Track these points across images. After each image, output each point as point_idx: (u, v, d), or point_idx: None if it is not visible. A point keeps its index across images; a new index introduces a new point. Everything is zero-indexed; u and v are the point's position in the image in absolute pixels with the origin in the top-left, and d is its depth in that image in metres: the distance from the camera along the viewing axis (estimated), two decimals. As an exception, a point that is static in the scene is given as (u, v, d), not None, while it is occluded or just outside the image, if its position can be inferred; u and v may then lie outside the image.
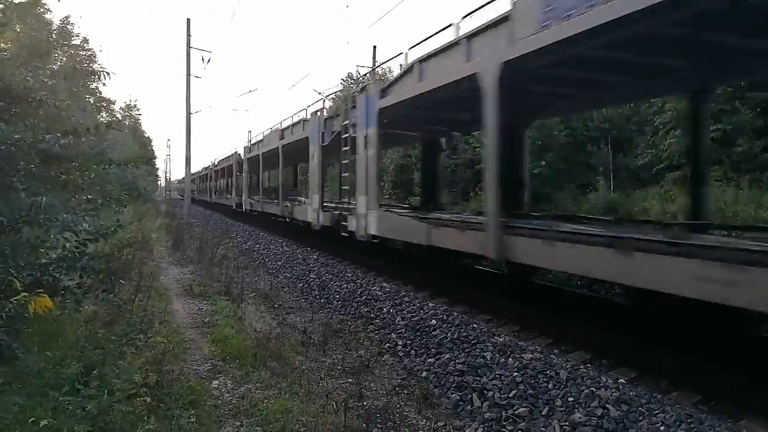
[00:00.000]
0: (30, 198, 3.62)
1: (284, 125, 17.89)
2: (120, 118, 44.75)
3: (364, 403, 4.75)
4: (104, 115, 32.07)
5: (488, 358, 5.58)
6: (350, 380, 5.28)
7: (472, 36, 7.22)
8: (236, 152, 28.23)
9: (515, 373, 5.12)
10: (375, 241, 10.10)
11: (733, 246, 4.54)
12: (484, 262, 9.48)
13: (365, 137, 10.18)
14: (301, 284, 10.57)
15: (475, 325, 6.62)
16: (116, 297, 4.63)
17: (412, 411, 4.72)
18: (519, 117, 10.18)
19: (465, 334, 6.34)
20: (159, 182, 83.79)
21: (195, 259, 12.47)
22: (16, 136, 4.17)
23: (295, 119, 16.72)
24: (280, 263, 13.26)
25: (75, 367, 3.82)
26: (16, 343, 3.56)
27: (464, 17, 7.63)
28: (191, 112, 26.71)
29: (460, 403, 4.90)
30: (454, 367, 5.55)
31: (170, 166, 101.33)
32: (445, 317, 7.04)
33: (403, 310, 7.71)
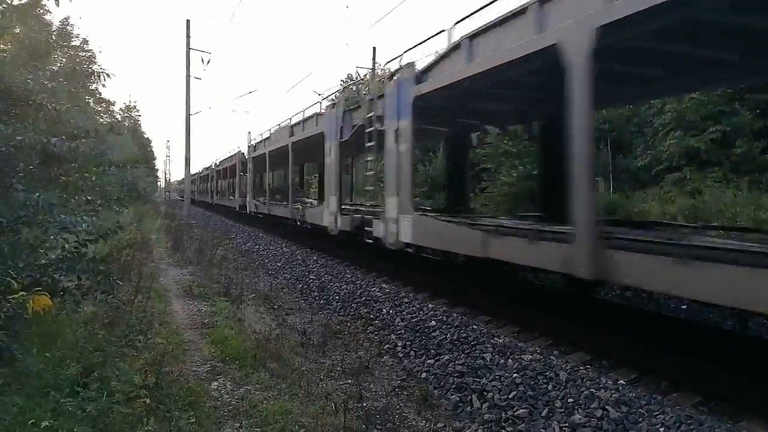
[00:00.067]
0: (26, 195, 3.61)
1: (294, 121, 16.60)
2: (120, 119, 44.77)
3: (364, 404, 4.75)
4: (104, 116, 32.05)
5: (488, 359, 5.58)
6: (350, 381, 5.28)
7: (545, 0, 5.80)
8: (239, 151, 27.03)
9: (515, 374, 5.12)
10: (408, 250, 8.89)
11: None
12: (550, 276, 8.31)
13: (396, 130, 8.79)
14: (300, 285, 10.57)
15: (474, 326, 6.61)
16: (115, 298, 4.63)
17: (411, 412, 4.72)
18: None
19: (465, 335, 6.34)
20: (158, 183, 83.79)
21: (194, 260, 12.47)
22: (19, 138, 4.17)
23: (308, 114, 15.51)
24: (279, 264, 13.26)
25: (74, 368, 3.81)
26: (15, 344, 3.56)
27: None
28: (191, 113, 26.69)
29: (460, 404, 4.90)
30: (454, 368, 5.55)
31: (170, 167, 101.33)
32: (444, 318, 7.04)
33: (403, 311, 7.71)
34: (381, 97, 9.73)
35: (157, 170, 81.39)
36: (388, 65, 10.19)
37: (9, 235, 3.66)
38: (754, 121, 16.93)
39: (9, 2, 4.93)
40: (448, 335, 6.43)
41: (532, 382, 4.93)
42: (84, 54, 24.39)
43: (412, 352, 6.30)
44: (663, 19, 4.87)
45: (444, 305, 7.95)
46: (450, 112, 10.46)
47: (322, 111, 13.78)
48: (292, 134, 16.34)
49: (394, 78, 9.19)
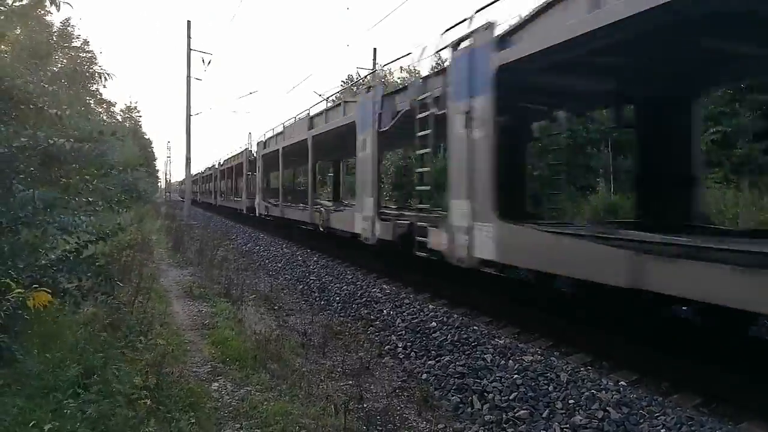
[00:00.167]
0: (24, 195, 3.61)
1: (315, 111, 14.66)
2: (120, 119, 44.78)
3: (365, 405, 4.74)
4: (105, 117, 32.11)
5: (488, 361, 5.57)
6: (350, 382, 5.28)
7: None
8: (247, 149, 25.16)
9: (515, 376, 5.11)
10: (488, 270, 6.84)
11: None
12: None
13: (467, 113, 6.80)
14: (301, 286, 10.57)
15: (475, 327, 6.61)
16: (116, 299, 4.63)
17: (412, 413, 4.71)
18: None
19: (465, 336, 6.34)
20: (159, 184, 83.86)
21: (195, 261, 12.47)
22: (23, 140, 4.18)
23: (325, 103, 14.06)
24: (280, 265, 13.26)
25: (75, 369, 3.81)
26: (16, 344, 3.56)
27: None
28: (191, 113, 26.74)
29: (461, 405, 4.89)
30: (455, 369, 5.54)
31: (170, 168, 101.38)
32: (445, 319, 7.03)
33: (403, 312, 7.71)
34: (440, 73, 7.87)
35: (157, 171, 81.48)
36: (447, 34, 7.66)
37: (9, 236, 3.66)
38: (754, 122, 16.93)
39: (9, 4, 4.93)
40: (449, 336, 6.43)
41: (533, 383, 4.93)
42: (85, 55, 24.44)
43: (412, 353, 6.30)
44: None
45: (444, 306, 7.95)
46: (534, 90, 7.99)
47: (355, 97, 11.69)
48: (311, 127, 14.34)
49: (463, 45, 7.03)
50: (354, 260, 12.23)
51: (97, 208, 4.81)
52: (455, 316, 7.20)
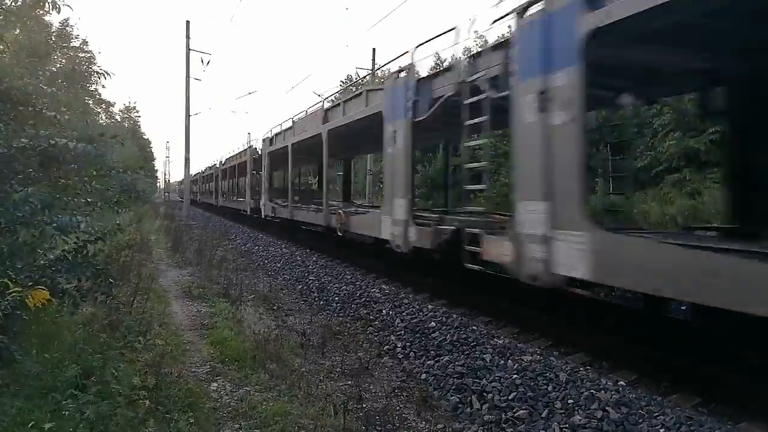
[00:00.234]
0: (21, 196, 3.61)
1: (331, 103, 13.63)
2: (119, 120, 44.71)
3: (364, 406, 4.74)
4: (103, 117, 32.05)
5: (488, 360, 5.57)
6: (349, 382, 5.27)
7: None
8: (251, 146, 23.69)
9: (515, 375, 5.11)
10: (577, 290, 6.17)
11: None
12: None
13: (541, 93, 5.40)
14: (300, 286, 10.57)
15: (474, 327, 6.61)
16: (115, 299, 4.63)
17: (411, 413, 4.71)
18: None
19: (464, 336, 6.34)
20: (158, 184, 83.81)
21: (194, 261, 12.47)
22: (24, 140, 4.18)
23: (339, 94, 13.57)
24: (279, 265, 13.25)
25: (74, 369, 3.81)
26: (14, 345, 3.56)
27: None
28: (190, 114, 26.72)
29: (460, 405, 4.89)
30: (454, 369, 5.54)
31: (169, 168, 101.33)
32: (444, 319, 7.03)
33: (403, 312, 7.70)
34: (498, 48, 6.48)
35: (156, 171, 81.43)
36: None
37: (6, 236, 3.65)
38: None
39: (8, 4, 4.93)
40: (448, 336, 6.43)
41: (532, 383, 4.93)
42: (83, 55, 24.39)
43: (411, 353, 6.30)
44: None
45: (444, 306, 7.95)
46: (621, 66, 6.29)
47: (381, 85, 10.28)
48: (326, 120, 12.89)
49: (534, 10, 5.67)
50: (353, 260, 12.22)
51: (96, 209, 4.81)
52: (454, 316, 7.20)
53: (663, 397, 4.59)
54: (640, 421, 4.11)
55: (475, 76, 6.75)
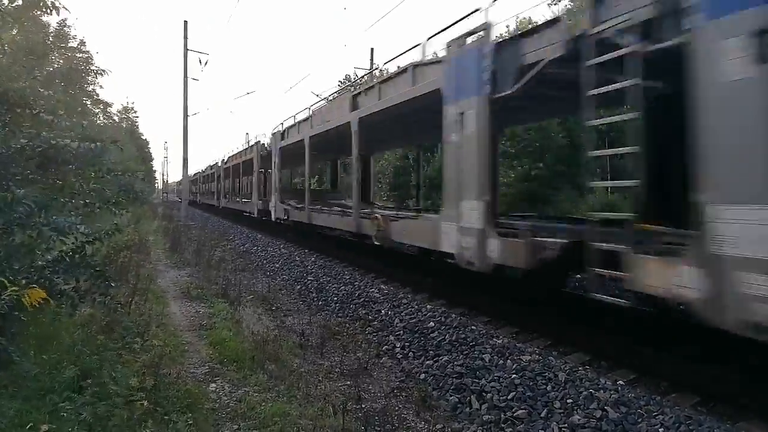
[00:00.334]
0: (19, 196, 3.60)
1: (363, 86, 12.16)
2: (117, 120, 44.61)
3: (363, 406, 4.73)
4: (101, 117, 31.97)
5: (487, 360, 5.57)
6: (348, 383, 5.27)
7: None
8: (258, 142, 21.50)
9: (514, 375, 5.11)
10: None
11: None
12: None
13: (762, 32, 3.59)
14: (299, 286, 10.56)
15: (473, 327, 6.61)
16: (113, 300, 4.62)
17: (410, 413, 4.71)
18: None
19: (463, 335, 6.33)
20: (156, 184, 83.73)
21: (192, 262, 12.46)
22: (23, 140, 4.17)
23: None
24: (277, 265, 13.24)
25: (72, 371, 3.80)
26: (12, 346, 3.55)
27: None
28: (188, 114, 26.69)
29: (459, 405, 4.89)
30: (453, 369, 5.54)
31: (167, 169, 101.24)
32: (443, 319, 7.03)
33: (402, 312, 7.70)
34: None
35: (155, 171, 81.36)
36: None
37: (3, 237, 3.65)
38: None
39: (5, 4, 4.93)
40: (447, 336, 6.43)
41: (531, 383, 4.93)
42: (81, 55, 24.32)
43: (410, 353, 6.29)
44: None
45: (442, 306, 7.95)
46: None
47: (438, 55, 8.25)
48: (355, 107, 10.92)
49: None
50: (352, 260, 12.21)
51: (95, 210, 4.80)
52: (453, 315, 7.20)
53: (662, 396, 4.59)
54: (639, 420, 4.11)
55: (605, 25, 4.92)
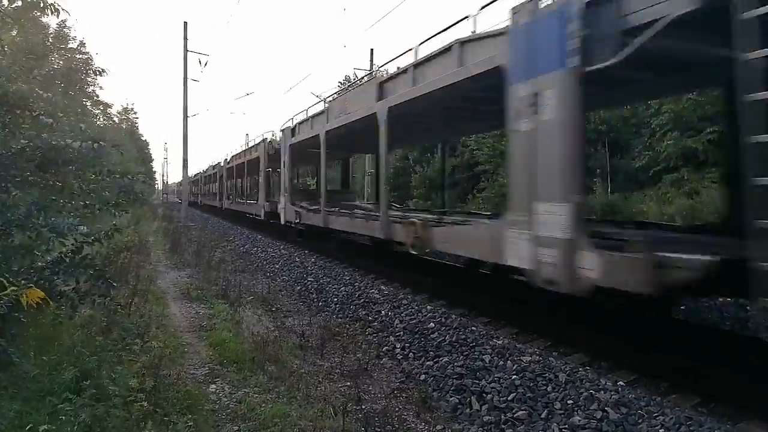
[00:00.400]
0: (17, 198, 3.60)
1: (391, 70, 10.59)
2: (117, 121, 44.61)
3: (363, 407, 4.73)
4: (101, 118, 31.98)
5: (487, 361, 5.57)
6: (348, 384, 5.26)
7: None
8: (265, 139, 20.09)
9: (514, 376, 5.10)
10: None
11: None
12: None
13: None
14: (299, 287, 10.55)
15: (473, 328, 6.60)
16: (113, 301, 4.62)
17: (410, 414, 4.70)
18: None
19: (463, 336, 6.33)
20: (156, 185, 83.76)
21: (192, 263, 12.46)
22: (24, 141, 4.17)
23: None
24: (277, 266, 13.24)
25: (71, 372, 3.80)
26: (12, 347, 3.55)
27: None
28: (188, 115, 26.70)
29: (459, 406, 4.88)
30: (453, 370, 5.53)
31: (167, 170, 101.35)
32: (443, 320, 7.03)
33: (402, 312, 7.70)
34: None
35: (154, 172, 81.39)
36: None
37: (1, 239, 3.65)
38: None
39: (5, 5, 4.93)
40: (447, 337, 6.42)
41: (532, 384, 4.92)
42: (81, 56, 24.34)
43: (410, 354, 6.29)
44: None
45: (443, 306, 7.94)
46: None
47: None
48: (382, 95, 9.59)
49: None
50: (352, 261, 12.20)
51: (95, 212, 4.80)
52: (453, 316, 7.20)
53: (662, 397, 4.59)
54: (640, 421, 4.11)
55: None
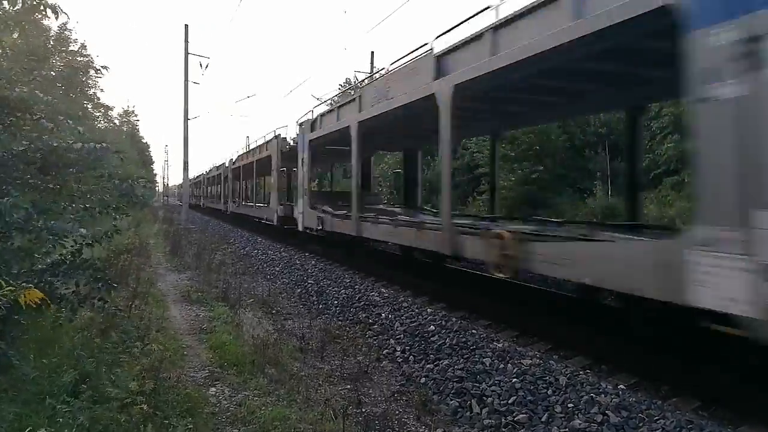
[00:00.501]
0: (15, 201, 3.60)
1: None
2: (118, 124, 44.67)
3: (363, 410, 4.72)
4: (102, 121, 32.02)
5: (487, 364, 5.56)
6: (349, 387, 5.25)
7: None
8: (278, 136, 17.98)
9: (514, 379, 5.10)
10: None
11: None
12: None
13: None
14: (299, 290, 10.55)
15: (474, 331, 6.60)
16: (113, 304, 4.62)
17: (411, 418, 4.69)
18: None
19: (464, 339, 6.32)
20: (156, 187, 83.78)
21: (193, 265, 12.45)
22: (25, 142, 4.17)
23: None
24: (278, 269, 13.24)
25: (71, 374, 3.79)
26: (12, 350, 3.54)
27: None
28: (189, 117, 26.70)
29: (459, 409, 4.87)
30: (453, 373, 5.53)
31: (168, 172, 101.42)
32: (443, 323, 7.02)
33: (402, 315, 7.69)
34: None
35: (155, 175, 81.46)
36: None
37: (1, 242, 3.65)
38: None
39: (6, 8, 4.94)
40: (447, 340, 6.41)
41: (532, 387, 4.92)
42: (82, 59, 24.38)
43: (411, 357, 6.28)
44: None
45: (443, 309, 7.94)
46: None
47: None
48: (444, 71, 7.60)
49: None
50: (352, 264, 12.20)
51: (95, 215, 4.80)
52: (454, 319, 7.19)
53: (663, 400, 4.58)
54: (641, 424, 4.10)
55: None
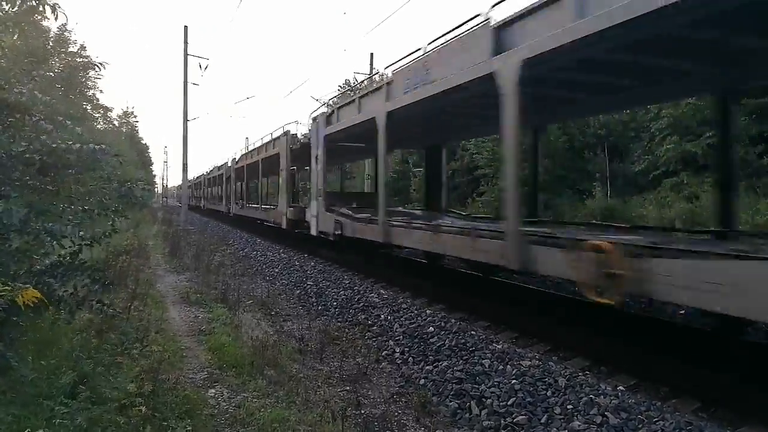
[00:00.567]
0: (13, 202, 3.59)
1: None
2: (117, 125, 44.65)
3: (362, 412, 4.71)
4: (101, 122, 32.00)
5: (486, 366, 5.55)
6: (348, 388, 5.25)
7: None
8: (287, 132, 16.45)
9: (514, 381, 5.09)
10: None
11: None
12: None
13: None
14: (298, 291, 10.54)
15: (473, 332, 6.59)
16: (112, 306, 4.60)
17: (410, 419, 4.69)
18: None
19: (463, 341, 6.32)
20: (156, 188, 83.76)
21: (192, 267, 12.44)
22: (24, 143, 4.17)
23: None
24: (277, 270, 13.23)
25: (70, 376, 3.78)
26: (10, 351, 3.53)
27: None
28: (188, 118, 26.71)
29: (459, 411, 4.87)
30: (452, 374, 5.52)
31: (167, 173, 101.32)
32: (443, 324, 7.01)
33: (401, 317, 7.68)
34: None
35: (154, 176, 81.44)
36: None
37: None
38: (750, 126, 16.99)
39: (6, 9, 4.92)
40: (447, 341, 6.41)
41: (531, 389, 4.91)
42: (81, 60, 24.37)
43: (410, 359, 6.27)
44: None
45: (442, 311, 7.94)
46: None
47: None
48: (505, 44, 6.15)
49: None
50: (351, 265, 12.19)
51: (94, 217, 4.79)
52: (453, 320, 7.18)
53: (662, 401, 4.57)
54: (640, 426, 4.10)
55: None
